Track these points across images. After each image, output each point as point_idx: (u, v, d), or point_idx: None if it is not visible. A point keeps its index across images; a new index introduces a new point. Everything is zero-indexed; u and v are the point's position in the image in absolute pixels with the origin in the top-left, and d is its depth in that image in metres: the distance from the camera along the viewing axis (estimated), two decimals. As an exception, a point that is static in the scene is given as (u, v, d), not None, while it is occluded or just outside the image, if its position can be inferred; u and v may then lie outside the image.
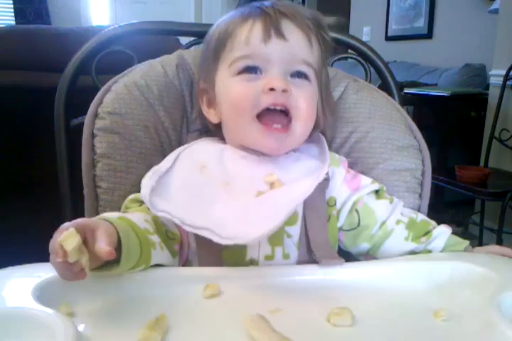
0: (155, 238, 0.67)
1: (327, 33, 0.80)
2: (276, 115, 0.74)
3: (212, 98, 0.81)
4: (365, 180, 0.82)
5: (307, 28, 0.75)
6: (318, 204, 0.76)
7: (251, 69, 0.75)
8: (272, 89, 0.72)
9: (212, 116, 0.82)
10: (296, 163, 0.79)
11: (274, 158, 0.78)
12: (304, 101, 0.75)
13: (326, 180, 0.78)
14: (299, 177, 0.75)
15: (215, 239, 0.66)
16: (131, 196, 0.76)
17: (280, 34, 0.73)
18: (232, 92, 0.76)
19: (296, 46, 0.75)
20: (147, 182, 0.72)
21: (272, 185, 0.74)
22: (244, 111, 0.74)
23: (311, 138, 0.84)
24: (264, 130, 0.74)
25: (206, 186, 0.74)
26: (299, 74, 0.76)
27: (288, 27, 0.74)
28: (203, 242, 0.70)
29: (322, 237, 0.74)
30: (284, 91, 0.72)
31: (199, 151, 0.80)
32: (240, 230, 0.67)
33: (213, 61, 0.79)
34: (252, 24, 0.74)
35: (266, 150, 0.76)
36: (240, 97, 0.74)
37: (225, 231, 0.67)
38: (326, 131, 0.87)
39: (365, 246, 0.79)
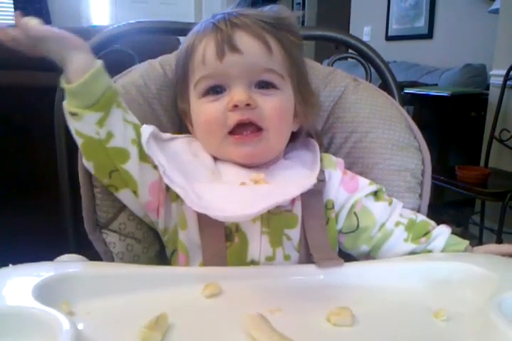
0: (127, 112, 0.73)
1: (292, 32, 0.78)
2: (247, 127, 0.74)
3: (191, 118, 0.81)
4: (362, 182, 0.81)
5: (263, 33, 0.74)
6: (316, 206, 0.76)
7: (214, 89, 0.74)
8: (236, 106, 0.72)
9: (195, 135, 0.82)
10: (285, 170, 0.78)
11: (264, 167, 0.77)
12: (272, 111, 0.74)
13: (323, 182, 0.77)
14: (285, 182, 0.74)
15: (187, 201, 0.64)
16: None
17: (234, 48, 0.72)
18: (201, 115, 0.76)
19: (253, 57, 0.73)
20: (149, 126, 0.73)
21: (256, 182, 0.73)
22: (216, 132, 0.74)
23: (304, 144, 0.84)
24: (237, 141, 0.74)
25: (195, 167, 0.74)
26: (265, 84, 0.75)
27: (242, 38, 0.73)
28: (207, 240, 0.71)
29: (321, 239, 0.74)
30: (249, 105, 0.72)
31: (196, 144, 0.80)
32: (215, 205, 0.65)
33: (183, 82, 0.79)
34: (206, 42, 0.74)
35: (240, 158, 0.75)
36: (208, 119, 0.75)
37: (199, 200, 0.65)
38: (313, 128, 0.86)
39: (365, 248, 0.79)
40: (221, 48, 0.72)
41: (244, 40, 0.73)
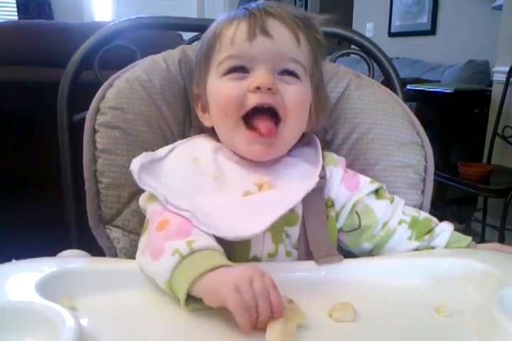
0: None
1: (319, 33, 0.79)
2: (264, 116, 0.73)
3: (205, 102, 0.80)
4: (363, 180, 0.81)
5: (294, 26, 0.74)
6: (317, 204, 0.76)
7: (238, 69, 0.74)
8: (258, 88, 0.71)
9: (206, 121, 0.82)
10: (289, 169, 0.78)
11: (268, 166, 0.77)
12: (292, 100, 0.74)
13: (324, 179, 0.77)
14: (289, 183, 0.74)
15: (194, 222, 0.65)
16: (145, 194, 0.75)
17: (265, 32, 0.72)
18: (219, 93, 0.75)
19: (282, 44, 0.73)
20: (139, 158, 0.72)
21: (260, 186, 0.73)
22: (231, 112, 0.73)
23: (307, 141, 0.83)
24: (250, 137, 0.73)
25: (196, 176, 0.74)
26: (288, 72, 0.75)
27: (274, 25, 0.73)
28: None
29: (321, 236, 0.74)
30: (270, 89, 0.71)
31: (195, 146, 0.80)
32: (222, 224, 0.66)
33: (204, 64, 0.79)
34: (238, 24, 0.74)
35: (253, 156, 0.75)
36: (226, 97, 0.74)
37: (207, 220, 0.66)
38: (319, 130, 0.87)
39: (367, 245, 0.79)
40: (253, 30, 0.72)
41: (276, 26, 0.73)
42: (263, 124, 0.73)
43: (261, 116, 0.73)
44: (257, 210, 0.69)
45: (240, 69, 0.74)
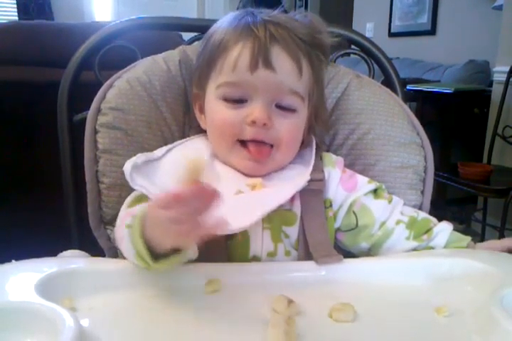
0: None
1: (324, 52, 0.78)
2: (258, 143, 0.74)
3: (202, 105, 0.81)
4: (361, 180, 0.81)
5: (298, 53, 0.73)
6: (315, 205, 0.76)
7: (236, 98, 0.74)
8: (253, 122, 0.72)
9: (203, 123, 0.82)
10: (283, 170, 0.79)
11: None
12: (286, 134, 0.75)
13: (322, 181, 0.78)
14: (282, 184, 0.75)
15: None
16: (134, 194, 0.75)
17: (268, 64, 0.71)
18: (217, 116, 0.76)
19: (283, 76, 0.73)
20: (132, 159, 0.73)
21: (253, 187, 0.74)
22: (227, 137, 0.75)
23: (305, 145, 0.83)
24: (245, 154, 0.74)
25: None
26: (285, 107, 0.75)
27: (278, 55, 0.72)
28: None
29: (321, 237, 0.74)
30: (265, 124, 0.72)
31: (193, 147, 0.81)
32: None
33: (205, 73, 0.78)
34: (242, 48, 0.72)
35: (246, 171, 0.76)
36: (223, 124, 0.75)
37: None
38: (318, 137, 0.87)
39: (364, 245, 0.79)
40: (255, 61, 0.71)
41: (280, 57, 0.72)
42: (254, 148, 0.74)
43: (255, 142, 0.74)
44: (247, 206, 0.70)
45: (237, 99, 0.74)
